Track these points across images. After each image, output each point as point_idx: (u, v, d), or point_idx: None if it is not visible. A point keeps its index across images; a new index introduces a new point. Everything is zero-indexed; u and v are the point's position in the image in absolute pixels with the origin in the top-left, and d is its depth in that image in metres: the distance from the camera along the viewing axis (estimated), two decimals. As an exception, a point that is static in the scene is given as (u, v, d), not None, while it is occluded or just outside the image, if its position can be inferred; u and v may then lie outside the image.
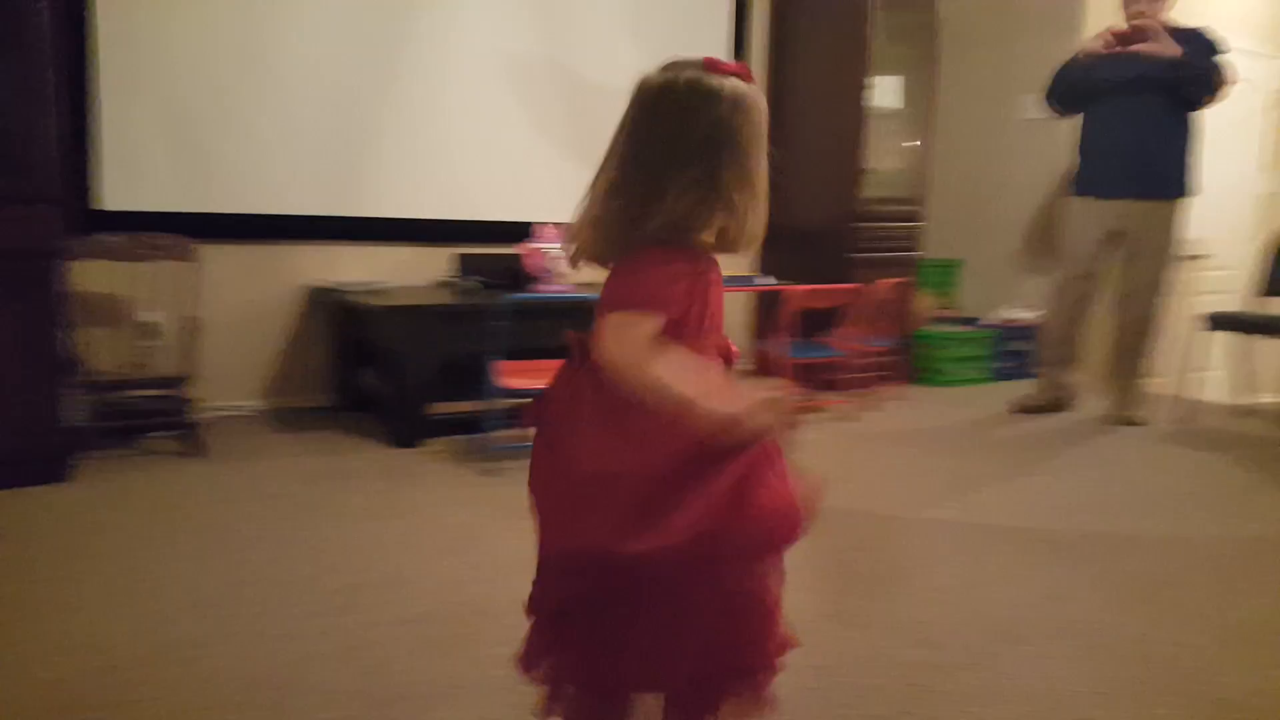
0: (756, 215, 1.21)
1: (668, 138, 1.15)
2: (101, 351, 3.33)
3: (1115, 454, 3.45)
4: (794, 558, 2.27)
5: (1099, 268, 3.95)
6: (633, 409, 1.09)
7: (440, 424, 3.47)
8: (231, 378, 3.72)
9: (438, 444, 3.37)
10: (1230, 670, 1.74)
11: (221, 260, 3.60)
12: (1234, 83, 3.75)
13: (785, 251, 4.90)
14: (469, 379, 3.47)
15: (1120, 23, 3.77)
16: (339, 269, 3.89)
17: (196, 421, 3.25)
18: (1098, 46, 3.70)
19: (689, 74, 1.16)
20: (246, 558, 2.24)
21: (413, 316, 3.34)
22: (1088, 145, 3.92)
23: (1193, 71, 3.64)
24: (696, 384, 1.08)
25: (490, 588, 2.09)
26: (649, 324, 1.11)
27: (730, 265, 4.73)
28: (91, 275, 3.30)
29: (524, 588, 2.03)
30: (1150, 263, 3.86)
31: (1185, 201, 3.83)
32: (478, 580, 2.14)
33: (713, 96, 1.14)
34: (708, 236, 1.16)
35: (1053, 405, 4.08)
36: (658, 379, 1.07)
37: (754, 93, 1.18)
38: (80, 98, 3.30)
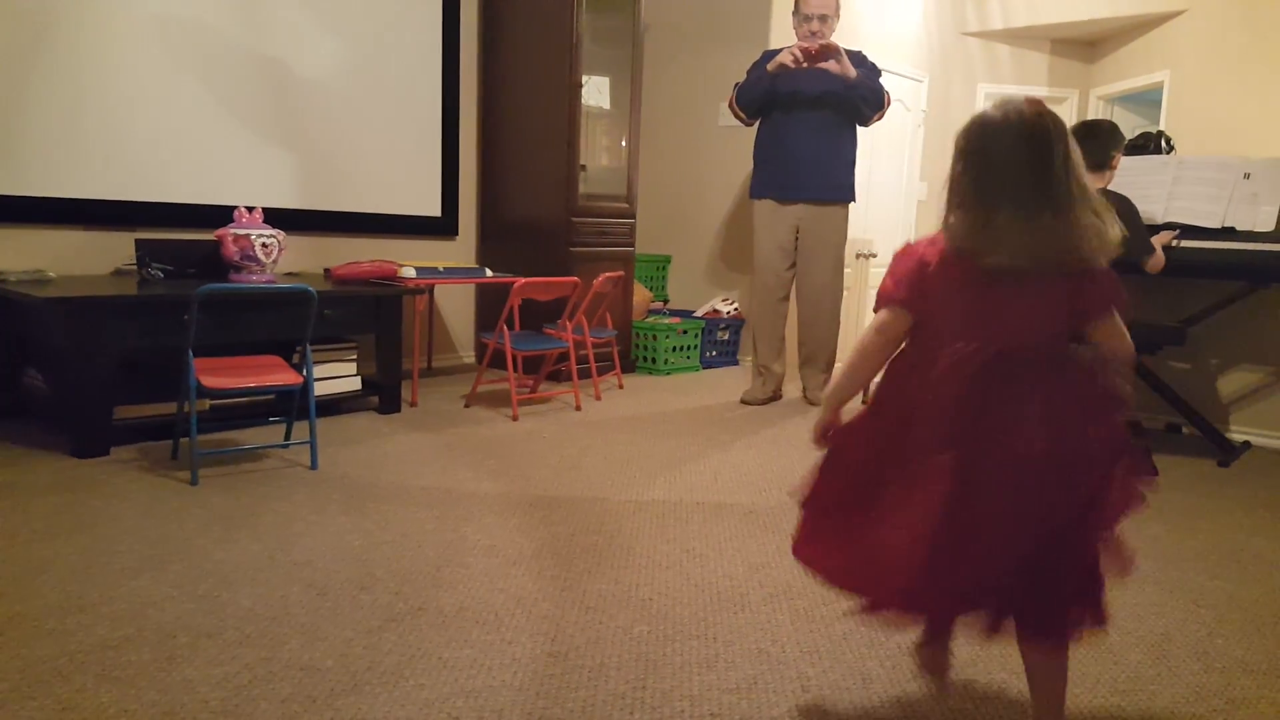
0: None
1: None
2: None
3: (805, 432, 3.81)
4: (530, 548, 2.30)
5: (785, 267, 4.33)
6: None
7: (131, 429, 3.09)
8: None
9: (129, 451, 3.00)
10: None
11: None
12: (891, 103, 4.29)
13: (505, 245, 4.92)
14: (162, 379, 3.13)
15: (796, 41, 4.17)
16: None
17: None
18: (787, 61, 4.02)
19: None
20: None
21: (80, 309, 2.90)
22: (768, 152, 4.26)
23: (867, 91, 4.11)
24: None
25: (197, 605, 1.89)
26: None
27: (451, 256, 4.68)
28: None
29: (236, 602, 1.90)
30: (826, 260, 4.30)
31: (848, 206, 4.33)
32: (181, 598, 1.93)
33: None
34: None
35: (773, 397, 4.42)
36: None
37: None
38: None
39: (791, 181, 4.21)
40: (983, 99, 6.68)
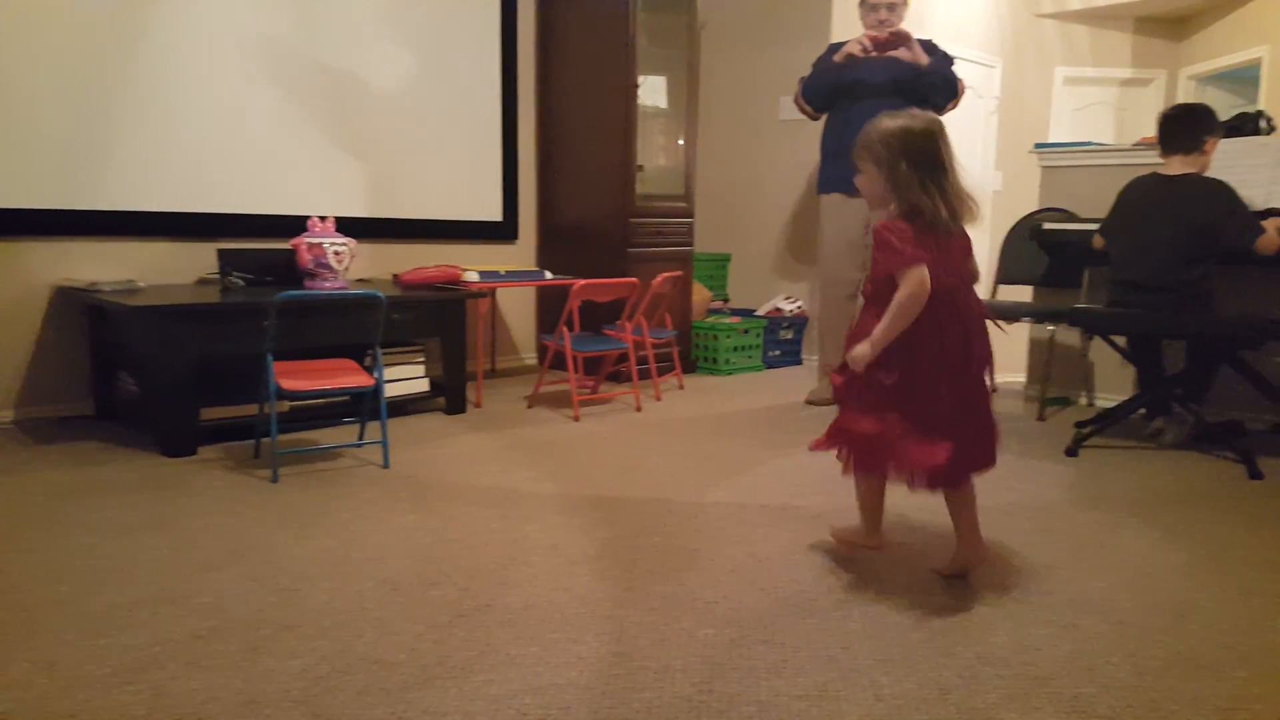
0: None
1: None
2: None
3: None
4: (593, 548, 2.33)
5: (853, 263, 4.27)
6: None
7: (215, 430, 3.22)
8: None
9: (214, 451, 3.13)
10: (995, 630, 1.93)
11: None
12: (964, 91, 4.21)
13: (565, 247, 4.97)
14: (243, 382, 3.26)
15: (861, 30, 4.12)
16: (89, 267, 3.53)
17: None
18: (855, 51, 3.96)
19: None
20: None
21: (167, 317, 3.05)
22: (837, 145, 4.17)
23: (939, 79, 4.03)
24: None
25: (277, 598, 1.97)
26: None
27: (512, 260, 4.75)
28: None
29: (313, 596, 1.97)
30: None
31: None
32: (262, 591, 2.01)
33: None
34: None
35: (829, 400, 4.37)
36: None
37: None
38: None
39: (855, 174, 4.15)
40: (1060, 83, 6.51)
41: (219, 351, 3.16)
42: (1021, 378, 4.87)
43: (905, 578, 2.21)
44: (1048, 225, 4.23)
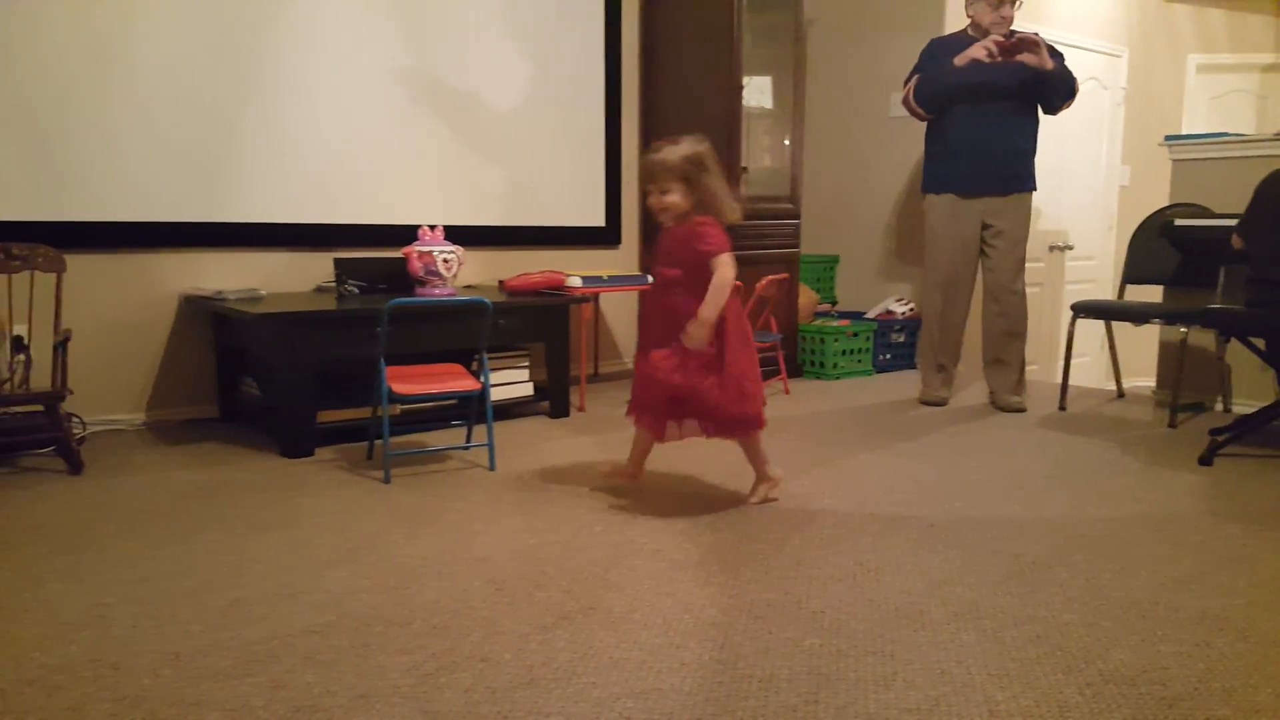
0: None
1: None
2: None
3: (992, 441, 3.62)
4: (696, 554, 2.31)
5: (968, 262, 4.15)
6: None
7: (331, 432, 3.35)
8: (107, 391, 3.54)
9: (330, 452, 3.25)
10: (1121, 647, 1.82)
11: (88, 270, 3.44)
12: (1079, 89, 4.08)
13: (671, 250, 4.96)
14: (357, 386, 3.38)
15: (968, 22, 4.05)
16: (214, 277, 3.73)
17: (72, 438, 3.05)
18: (982, 57, 3.84)
19: None
20: (119, 576, 2.09)
21: (287, 324, 3.18)
22: (949, 146, 4.08)
23: (1060, 81, 3.92)
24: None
25: (389, 596, 2.02)
26: None
27: (615, 265, 4.78)
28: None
29: (423, 594, 2.01)
30: (1015, 253, 4.11)
31: (1032, 195, 4.15)
32: (375, 589, 2.06)
33: None
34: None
35: (943, 399, 4.25)
36: None
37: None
38: None
39: (976, 175, 4.05)
40: (1193, 71, 6.13)
41: (335, 356, 3.29)
42: (1151, 382, 4.60)
43: (1020, 590, 2.10)
44: (1180, 221, 3.99)
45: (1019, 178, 4.07)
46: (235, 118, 3.71)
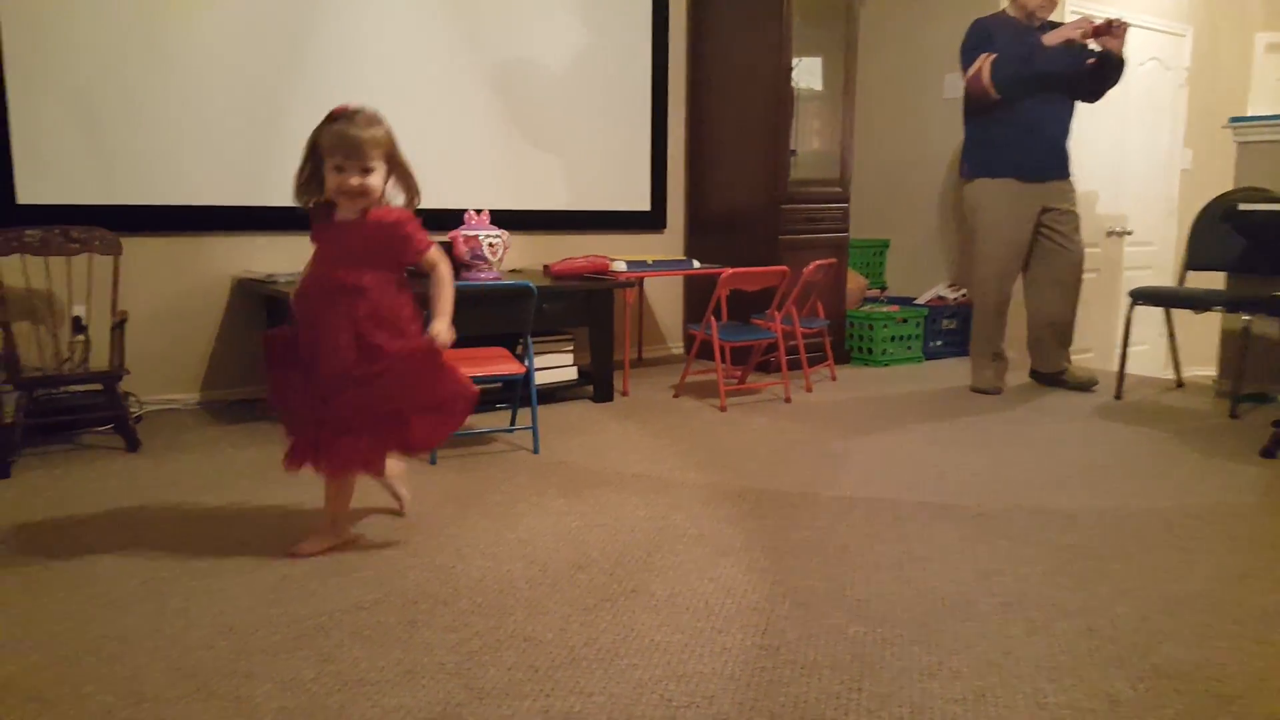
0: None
1: None
2: (32, 348, 3.22)
3: (1045, 430, 3.55)
4: (739, 539, 2.30)
5: (1025, 247, 4.09)
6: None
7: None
8: (164, 371, 3.64)
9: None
10: (1175, 642, 1.78)
11: (144, 253, 3.53)
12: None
13: (713, 236, 4.93)
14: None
15: (1025, 9, 4.00)
16: (265, 260, 3.81)
17: (130, 416, 3.15)
18: (1076, 36, 3.79)
19: None
20: (174, 550, 2.15)
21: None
22: (1009, 130, 4.00)
23: (1120, 68, 3.89)
24: None
25: (435, 574, 2.05)
26: None
27: (660, 250, 4.75)
28: (16, 271, 3.17)
29: (468, 573, 2.03)
30: (1075, 237, 4.10)
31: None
32: (421, 567, 2.10)
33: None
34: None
35: (998, 388, 4.20)
36: None
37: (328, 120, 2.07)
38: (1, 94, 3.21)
39: (1036, 159, 4.02)
40: (1261, 50, 5.91)
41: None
42: (1212, 371, 4.46)
43: (1071, 582, 2.06)
44: (1244, 206, 3.86)
45: (1068, 162, 4.12)
46: (285, 104, 3.76)
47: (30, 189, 3.30)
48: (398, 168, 2.13)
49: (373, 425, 2.08)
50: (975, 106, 4.09)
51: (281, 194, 3.74)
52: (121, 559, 2.14)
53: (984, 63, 3.96)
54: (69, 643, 1.72)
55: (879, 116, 5.48)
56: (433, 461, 2.94)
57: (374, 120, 2.07)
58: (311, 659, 1.68)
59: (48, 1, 3.27)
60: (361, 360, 2.05)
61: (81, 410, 3.20)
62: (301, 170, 2.11)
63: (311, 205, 2.14)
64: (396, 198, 2.16)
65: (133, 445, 3.06)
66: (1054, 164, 4.05)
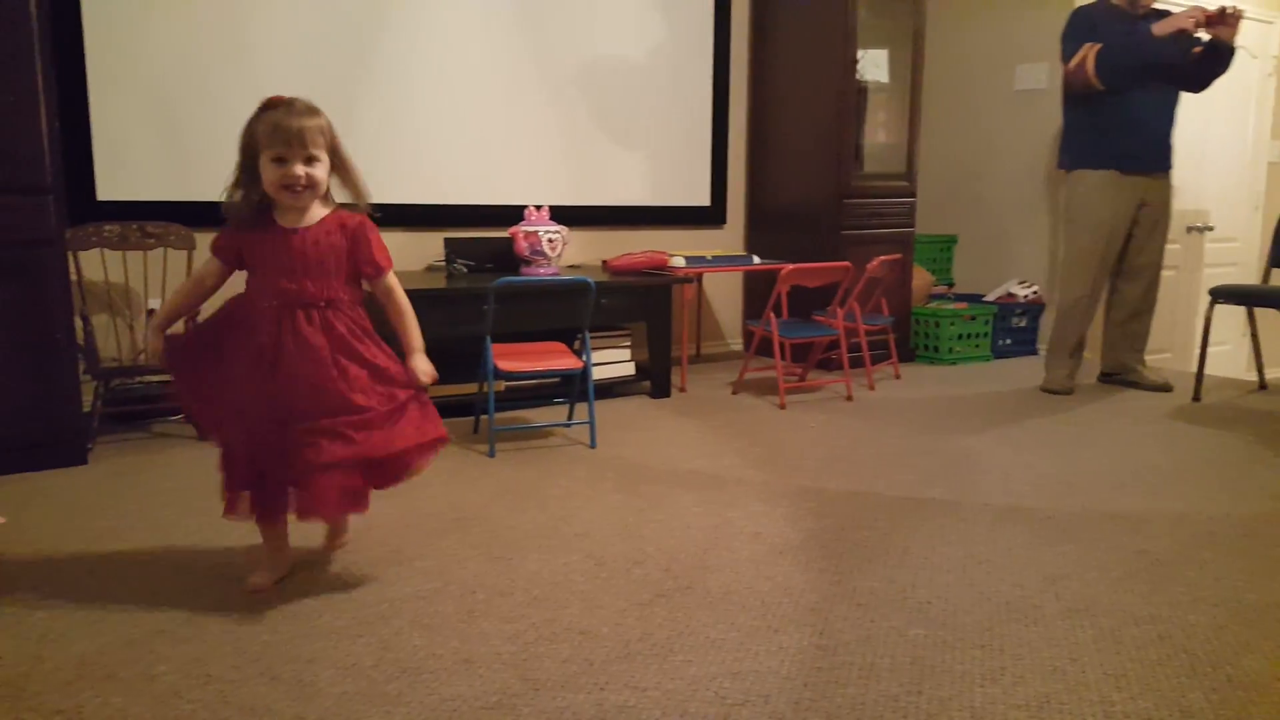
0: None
1: None
2: (110, 339, 3.35)
3: (1117, 431, 3.44)
4: (797, 538, 2.28)
5: (1120, 241, 4.00)
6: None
7: (440, 407, 3.42)
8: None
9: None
10: (1252, 653, 1.71)
11: None
12: None
13: (774, 231, 4.89)
14: (461, 362, 3.46)
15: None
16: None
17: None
18: (1189, 27, 3.67)
19: None
20: (243, 536, 2.20)
21: (402, 300, 3.28)
22: (1112, 120, 3.89)
23: (1229, 57, 3.77)
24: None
25: (492, 566, 2.07)
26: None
27: (720, 245, 4.71)
28: (95, 265, 3.30)
29: (525, 565, 2.05)
30: (1164, 233, 4.03)
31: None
32: (479, 559, 2.12)
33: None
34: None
35: (1071, 389, 4.10)
36: None
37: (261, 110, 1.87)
38: (81, 89, 3.32)
39: (1140, 151, 3.92)
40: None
41: (444, 333, 3.37)
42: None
43: (1142, 588, 1.98)
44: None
45: (1169, 155, 4.00)
46: (351, 103, 3.83)
47: (109, 186, 3.43)
48: (341, 163, 1.90)
49: (352, 457, 1.82)
50: (1077, 96, 3.97)
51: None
52: (193, 543, 2.22)
53: (1088, 52, 3.83)
54: (140, 625, 1.79)
55: (947, 109, 5.36)
56: (491, 454, 2.98)
57: (313, 109, 1.88)
58: (372, 645, 1.71)
59: (128, 1, 3.38)
60: (347, 386, 1.84)
61: (155, 400, 3.32)
62: (237, 170, 1.90)
63: (237, 209, 1.91)
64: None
65: (203, 434, 3.16)
66: (1158, 156, 3.95)
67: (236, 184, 1.90)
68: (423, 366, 1.99)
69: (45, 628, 1.77)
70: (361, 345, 1.90)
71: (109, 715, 1.48)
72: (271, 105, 1.87)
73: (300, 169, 1.82)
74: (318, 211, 1.91)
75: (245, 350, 1.84)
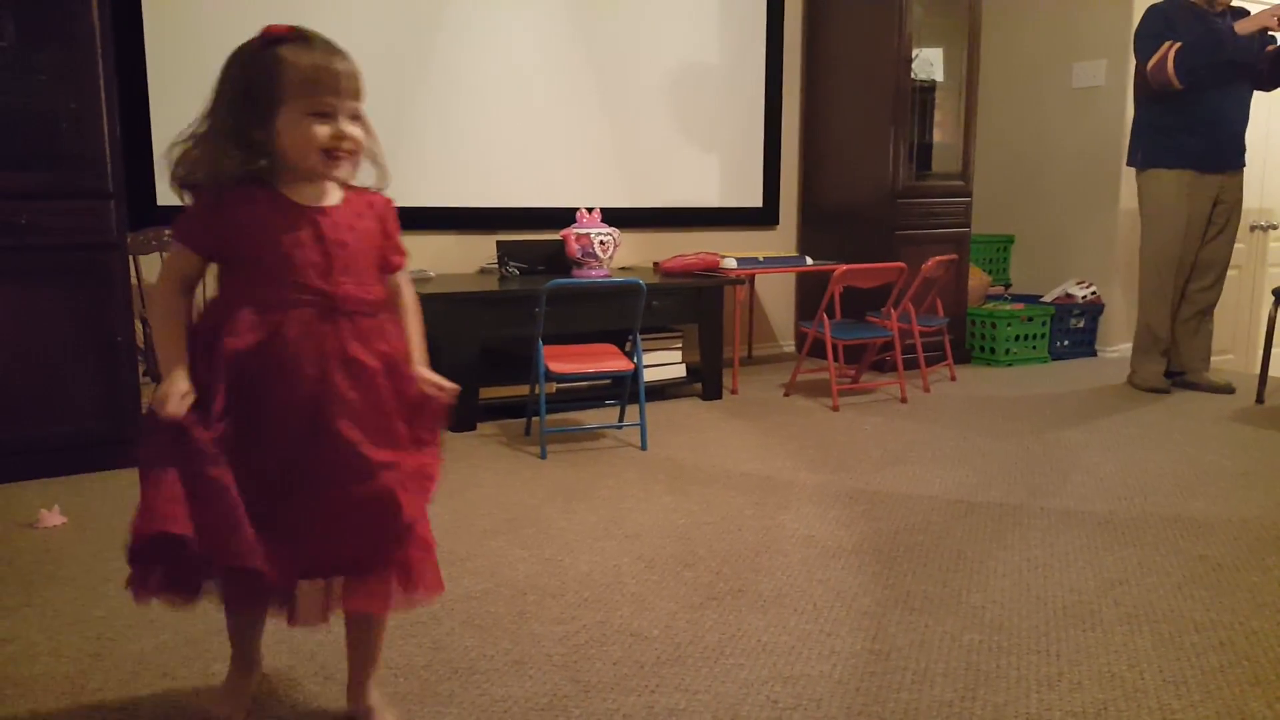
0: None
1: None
2: None
3: (1179, 433, 3.34)
4: (850, 541, 2.26)
5: (1197, 240, 3.94)
6: None
7: (492, 408, 3.50)
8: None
9: (491, 427, 3.39)
10: (1313, 656, 1.66)
11: None
12: None
13: (827, 232, 4.85)
14: (514, 364, 3.51)
15: None
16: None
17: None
18: (1272, 25, 3.61)
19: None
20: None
21: (454, 304, 3.34)
22: (1191, 119, 3.82)
23: None
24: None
25: (544, 567, 2.09)
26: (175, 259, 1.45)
27: (772, 246, 4.68)
28: (155, 269, 3.38)
29: (576, 567, 2.07)
30: (1234, 231, 3.99)
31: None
32: (531, 560, 2.14)
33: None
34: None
35: (1166, 386, 4.06)
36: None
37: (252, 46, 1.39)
38: (143, 93, 3.39)
39: (1217, 150, 3.87)
40: None
41: (497, 335, 3.42)
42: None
43: (1204, 594, 1.93)
44: None
45: (1243, 152, 3.95)
46: (405, 107, 3.90)
47: (169, 192, 3.53)
48: (369, 131, 1.45)
49: (378, 540, 1.41)
50: (1151, 94, 3.89)
51: (402, 194, 3.92)
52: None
53: (1168, 50, 3.74)
54: (198, 623, 1.83)
55: (1004, 108, 5.27)
56: (543, 455, 3.01)
57: (351, 63, 1.43)
58: (424, 645, 1.74)
59: (188, 9, 3.47)
60: (382, 430, 1.36)
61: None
62: (216, 118, 1.39)
63: (217, 175, 1.38)
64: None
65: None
66: (1233, 154, 3.90)
67: (209, 138, 1.36)
68: (435, 379, 1.51)
69: (104, 625, 1.83)
70: (407, 368, 1.45)
71: (166, 713, 1.53)
72: (290, 38, 1.40)
73: (344, 129, 1.35)
74: (332, 187, 1.41)
75: (270, 402, 1.29)
